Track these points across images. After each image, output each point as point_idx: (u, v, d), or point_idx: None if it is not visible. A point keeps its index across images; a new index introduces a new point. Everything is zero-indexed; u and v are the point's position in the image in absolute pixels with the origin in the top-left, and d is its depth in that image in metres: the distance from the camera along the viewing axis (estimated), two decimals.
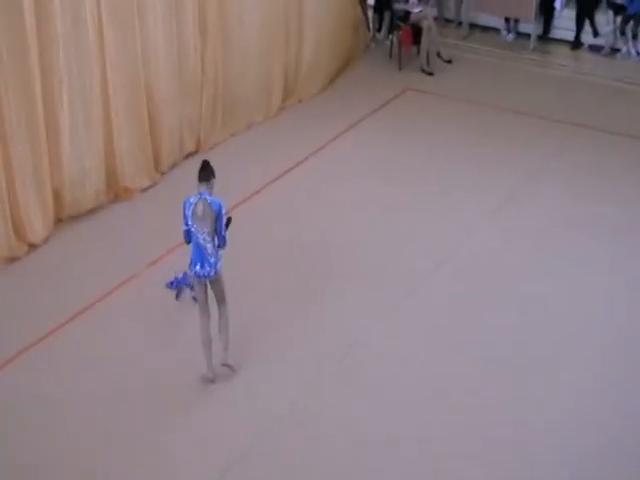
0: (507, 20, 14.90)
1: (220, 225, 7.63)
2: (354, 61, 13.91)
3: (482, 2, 14.77)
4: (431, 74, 13.66)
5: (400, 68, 13.78)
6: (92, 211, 10.32)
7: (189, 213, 7.65)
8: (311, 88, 12.97)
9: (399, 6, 13.94)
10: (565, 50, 14.53)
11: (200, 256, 7.67)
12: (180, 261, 9.20)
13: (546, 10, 14.65)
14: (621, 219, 10.21)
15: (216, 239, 7.67)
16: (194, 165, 10.80)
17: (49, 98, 9.67)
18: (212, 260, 7.66)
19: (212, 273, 7.70)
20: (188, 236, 7.74)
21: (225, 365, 8.04)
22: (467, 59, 14.15)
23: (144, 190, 10.73)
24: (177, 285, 8.91)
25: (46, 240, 9.85)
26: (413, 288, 9.15)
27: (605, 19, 14.32)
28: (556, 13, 14.70)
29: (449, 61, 13.98)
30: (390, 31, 14.24)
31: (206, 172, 7.70)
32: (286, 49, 12.55)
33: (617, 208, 10.40)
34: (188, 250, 7.83)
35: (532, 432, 7.53)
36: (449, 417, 7.68)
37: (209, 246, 7.64)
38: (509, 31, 14.87)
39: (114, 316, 8.82)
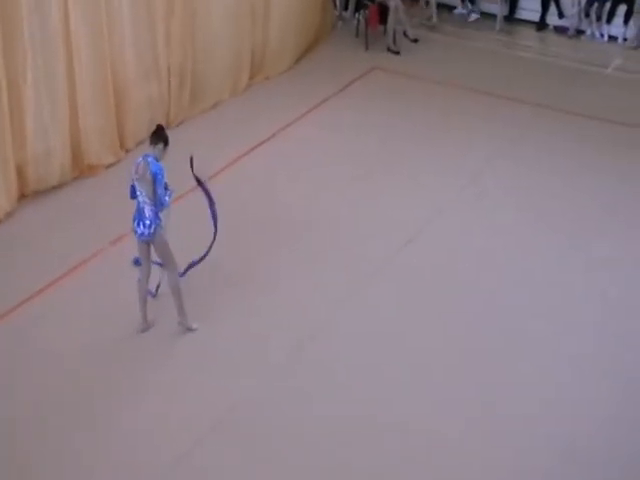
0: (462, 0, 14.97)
1: (157, 188, 7.73)
2: (321, 40, 13.90)
3: None
4: (397, 53, 13.69)
5: (367, 47, 13.80)
6: (56, 187, 10.25)
7: (132, 171, 7.83)
8: (278, 66, 12.95)
9: None
10: (531, 31, 14.64)
11: (138, 215, 7.86)
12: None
13: None
14: (588, 198, 10.30)
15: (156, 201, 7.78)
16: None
17: (12, 74, 9.56)
18: (147, 222, 7.80)
19: (146, 234, 7.85)
20: (132, 192, 7.93)
21: (180, 324, 8.25)
22: (433, 39, 14.18)
23: (109, 167, 10.68)
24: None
25: (9, 215, 9.76)
26: (377, 270, 9.15)
27: (570, 1, 14.39)
28: None
29: (415, 40, 14.00)
30: (357, 10, 14.23)
31: (155, 136, 7.83)
32: (253, 28, 12.51)
33: (585, 187, 10.49)
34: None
35: (507, 422, 7.46)
36: (416, 401, 7.65)
37: (146, 207, 7.79)
38: (469, 12, 14.92)
39: (77, 293, 8.78)
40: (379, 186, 10.48)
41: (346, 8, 14.68)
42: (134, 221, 7.91)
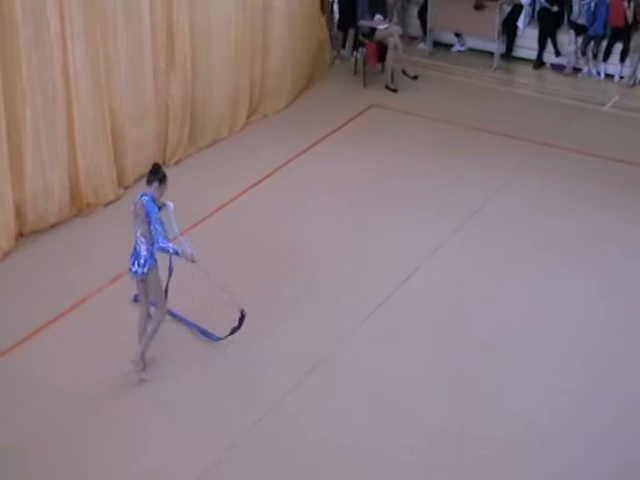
0: (457, 35, 15.10)
1: (152, 226, 7.68)
2: (319, 78, 13.94)
3: (446, 21, 14.92)
4: (395, 91, 13.73)
5: (365, 85, 13.84)
6: (55, 226, 10.25)
7: (132, 210, 7.88)
8: (276, 104, 12.99)
9: (364, 23, 13.99)
10: (528, 69, 14.67)
11: (135, 254, 7.86)
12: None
13: (509, 29, 14.82)
14: (588, 237, 10.30)
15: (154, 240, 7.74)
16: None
17: (12, 113, 9.60)
18: (141, 261, 7.81)
19: (139, 272, 7.86)
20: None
21: (133, 362, 8.10)
22: (431, 77, 14.24)
23: (107, 205, 10.68)
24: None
25: (7, 254, 9.75)
26: (375, 305, 9.15)
27: (567, 39, 14.48)
28: (519, 32, 14.85)
29: (415, 77, 14.08)
30: (355, 48, 14.31)
31: (151, 174, 7.86)
32: (252, 66, 12.56)
33: (581, 225, 10.49)
34: None
35: (499, 451, 7.53)
36: (414, 435, 7.67)
37: (142, 247, 7.80)
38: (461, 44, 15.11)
39: (78, 331, 8.74)
40: (378, 223, 10.48)
41: (344, 46, 14.76)
42: (130, 259, 7.93)
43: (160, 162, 11.35)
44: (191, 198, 10.37)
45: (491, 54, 14.72)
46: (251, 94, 12.65)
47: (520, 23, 14.80)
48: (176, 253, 7.85)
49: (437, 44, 15.25)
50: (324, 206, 10.75)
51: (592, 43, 14.29)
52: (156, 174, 7.84)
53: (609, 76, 14.26)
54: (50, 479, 7.28)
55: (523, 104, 13.51)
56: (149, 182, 7.85)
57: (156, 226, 7.68)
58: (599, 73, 14.36)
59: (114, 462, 7.39)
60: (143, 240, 7.78)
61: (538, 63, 14.73)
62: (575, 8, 14.43)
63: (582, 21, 14.36)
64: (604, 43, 14.24)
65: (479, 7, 14.59)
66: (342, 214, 10.63)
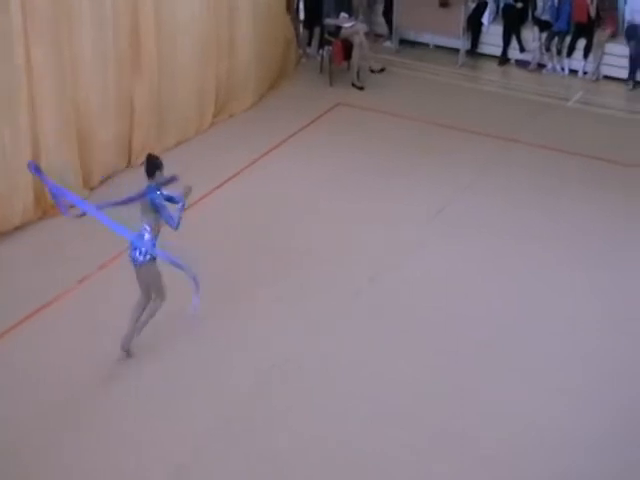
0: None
1: (162, 214, 7.84)
2: (285, 77, 13.95)
3: (411, 18, 14.95)
4: (362, 89, 13.76)
5: (331, 83, 13.86)
6: (19, 228, 10.15)
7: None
8: (242, 103, 12.96)
9: (330, 21, 14.00)
10: (493, 65, 14.78)
11: (137, 242, 7.93)
12: (112, 276, 9.14)
13: (474, 26, 14.89)
14: (560, 230, 10.37)
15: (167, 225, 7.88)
16: (124, 181, 10.88)
17: None
18: (143, 249, 7.93)
19: (140, 260, 7.95)
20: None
21: (124, 350, 8.23)
22: (398, 74, 14.28)
23: (73, 206, 10.56)
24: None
25: None
26: (348, 305, 9.15)
27: (531, 35, 14.58)
28: (484, 29, 14.96)
29: (382, 69, 14.12)
30: (321, 46, 14.31)
31: (149, 167, 7.96)
32: (218, 66, 12.52)
33: (552, 219, 10.56)
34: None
35: (498, 451, 7.47)
36: (413, 435, 7.62)
37: (146, 234, 7.92)
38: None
39: (44, 333, 8.67)
40: (346, 221, 10.47)
41: (310, 44, 14.77)
42: (131, 246, 8.01)
43: (126, 163, 11.45)
44: None
45: (456, 51, 14.80)
46: (217, 94, 12.61)
47: (485, 20, 14.91)
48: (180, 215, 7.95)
49: (403, 41, 15.30)
50: (292, 205, 10.73)
51: (556, 39, 14.40)
52: (153, 166, 7.97)
53: (573, 72, 14.40)
54: (30, 471, 7.24)
55: (489, 100, 13.59)
56: (150, 175, 7.93)
57: (164, 212, 7.84)
58: (563, 69, 14.48)
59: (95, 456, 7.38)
60: (148, 229, 7.93)
61: (503, 59, 14.82)
62: (539, 4, 14.55)
63: (546, 17, 14.47)
64: (568, 39, 14.37)
65: (444, 4, 14.65)
66: (310, 213, 10.62)
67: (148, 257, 7.95)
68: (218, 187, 11.09)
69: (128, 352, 8.29)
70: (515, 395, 8.06)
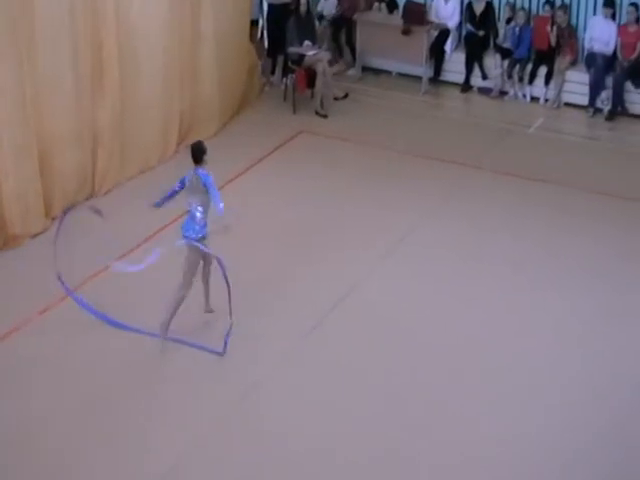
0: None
1: (213, 195, 8.56)
2: (249, 104, 13.97)
3: (374, 46, 15.05)
4: (325, 116, 13.81)
5: (295, 111, 13.89)
6: None
7: (186, 185, 8.76)
8: (206, 131, 12.87)
9: (293, 49, 14.07)
10: (456, 92, 14.89)
11: (190, 221, 8.69)
12: (71, 310, 9.07)
13: (437, 53, 15.01)
14: (520, 253, 10.44)
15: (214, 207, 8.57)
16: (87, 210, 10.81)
17: None
18: (197, 227, 8.67)
19: (193, 237, 8.63)
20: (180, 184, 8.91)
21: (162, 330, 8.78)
22: (361, 102, 14.35)
23: (34, 236, 10.51)
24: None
25: None
26: (309, 329, 9.14)
27: (493, 63, 14.72)
28: (446, 56, 15.07)
29: (346, 95, 14.18)
30: (284, 74, 14.36)
31: (198, 154, 8.72)
32: (181, 93, 12.52)
33: (512, 242, 10.63)
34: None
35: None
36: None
37: (197, 215, 8.65)
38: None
39: (6, 363, 8.59)
40: (310, 247, 10.47)
41: (273, 72, 14.82)
42: (183, 227, 8.74)
43: (89, 191, 11.36)
44: (121, 229, 10.31)
45: (419, 78, 14.89)
46: (181, 121, 12.60)
47: (447, 47, 15.04)
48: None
49: (366, 69, 15.39)
50: (255, 233, 10.70)
51: (518, 66, 14.54)
52: (200, 151, 8.70)
53: (535, 99, 14.52)
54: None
55: (452, 127, 13.68)
56: (199, 161, 8.68)
57: (215, 192, 8.56)
58: (525, 96, 14.61)
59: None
60: (200, 209, 8.64)
61: (466, 87, 14.95)
62: (501, 32, 14.71)
63: (507, 45, 14.62)
64: (529, 66, 14.51)
65: (407, 32, 14.76)
66: (274, 241, 10.61)
67: (201, 234, 8.65)
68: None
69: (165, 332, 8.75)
70: (491, 416, 8.14)
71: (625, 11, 13.95)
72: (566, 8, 14.29)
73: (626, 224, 11.03)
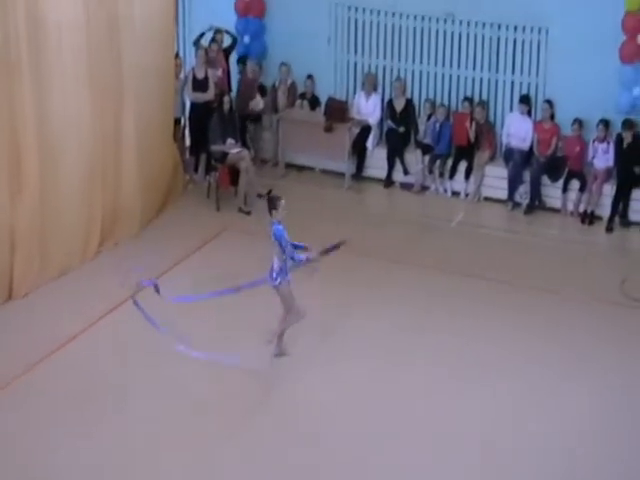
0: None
1: (283, 247, 9.61)
2: (172, 203, 13.94)
3: (297, 143, 15.23)
4: (249, 213, 13.85)
5: (218, 208, 13.92)
6: None
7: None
8: (128, 231, 12.85)
9: (216, 147, 14.16)
10: (378, 188, 15.10)
11: (271, 268, 9.74)
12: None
13: (359, 150, 15.25)
14: (440, 347, 10.50)
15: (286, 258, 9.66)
16: (6, 314, 10.63)
17: None
18: (274, 274, 9.71)
19: (269, 282, 9.75)
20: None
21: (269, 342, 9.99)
22: (284, 198, 14.32)
23: None
24: None
25: None
26: (230, 433, 9.01)
27: (414, 158, 14.98)
28: (368, 152, 15.32)
29: (269, 192, 14.21)
30: (207, 172, 14.42)
31: (269, 205, 9.83)
32: (103, 192, 12.46)
33: (437, 338, 10.68)
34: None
35: None
36: None
37: (275, 264, 9.71)
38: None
39: None
40: (233, 347, 10.33)
41: (196, 170, 14.87)
42: (268, 273, 9.81)
43: (7, 295, 11.15)
44: (40, 333, 10.18)
45: (342, 174, 15.07)
46: (103, 221, 12.49)
47: (369, 144, 15.29)
48: (306, 259, 9.78)
49: (289, 166, 15.53)
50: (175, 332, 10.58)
51: (438, 162, 14.83)
52: (270, 203, 9.79)
53: (455, 193, 14.79)
54: None
55: (374, 223, 13.80)
56: (269, 212, 9.71)
57: (286, 246, 9.59)
58: (446, 190, 14.87)
59: None
60: (276, 259, 9.66)
61: (388, 182, 15.17)
62: (421, 128, 15.04)
63: (428, 141, 14.94)
64: (449, 161, 14.81)
65: (329, 129, 14.99)
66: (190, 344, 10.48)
67: (278, 280, 9.66)
68: (102, 317, 10.88)
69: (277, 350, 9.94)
70: None
71: (540, 108, 14.40)
72: (484, 105, 14.71)
73: (546, 316, 11.21)
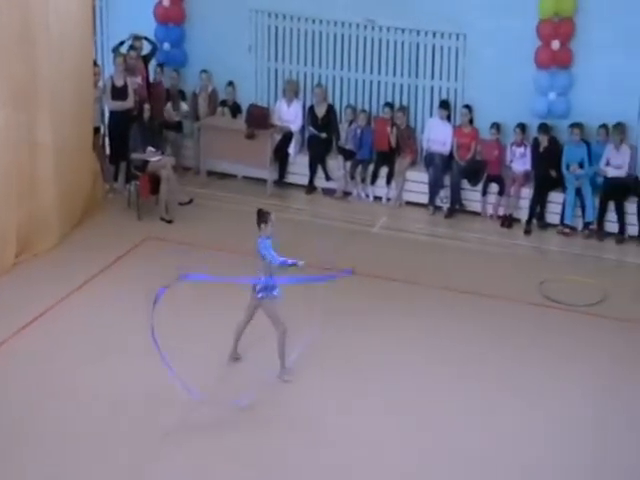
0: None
1: (266, 257, 9.81)
2: (91, 212, 13.75)
3: (219, 150, 15.16)
4: (170, 222, 13.74)
5: (139, 217, 13.78)
6: None
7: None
8: (47, 242, 12.63)
9: (136, 156, 14.01)
10: (301, 194, 15.10)
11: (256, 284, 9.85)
12: None
13: (281, 156, 15.23)
14: (370, 353, 10.56)
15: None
16: None
17: None
18: (257, 288, 9.86)
19: (257, 297, 9.87)
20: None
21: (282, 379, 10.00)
22: (206, 206, 14.33)
23: None
24: None
25: None
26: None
27: (336, 164, 15.02)
28: (290, 159, 15.31)
29: (190, 201, 14.15)
30: (127, 181, 14.26)
31: (258, 219, 9.94)
32: (19, 203, 12.22)
33: (366, 341, 10.77)
34: None
35: None
36: None
37: (261, 279, 9.83)
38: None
39: None
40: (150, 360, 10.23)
41: (116, 179, 14.69)
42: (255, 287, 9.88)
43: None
44: None
45: (265, 181, 15.04)
46: (19, 232, 12.25)
47: (291, 150, 15.29)
48: (293, 264, 9.93)
49: (211, 173, 15.45)
50: (96, 349, 10.45)
51: (360, 167, 14.89)
52: (260, 218, 9.88)
53: (377, 198, 14.87)
54: None
55: (298, 229, 13.72)
56: (258, 226, 9.86)
57: (267, 255, 9.76)
58: (368, 196, 14.95)
59: None
60: (260, 272, 9.83)
61: (310, 188, 15.18)
62: (342, 134, 15.09)
63: (350, 146, 15.00)
64: (371, 167, 14.89)
65: (250, 136, 14.94)
66: (117, 352, 10.37)
67: (261, 295, 9.81)
68: (21, 329, 10.67)
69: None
70: None
71: (459, 113, 14.57)
72: (405, 110, 14.83)
73: (467, 316, 11.38)
